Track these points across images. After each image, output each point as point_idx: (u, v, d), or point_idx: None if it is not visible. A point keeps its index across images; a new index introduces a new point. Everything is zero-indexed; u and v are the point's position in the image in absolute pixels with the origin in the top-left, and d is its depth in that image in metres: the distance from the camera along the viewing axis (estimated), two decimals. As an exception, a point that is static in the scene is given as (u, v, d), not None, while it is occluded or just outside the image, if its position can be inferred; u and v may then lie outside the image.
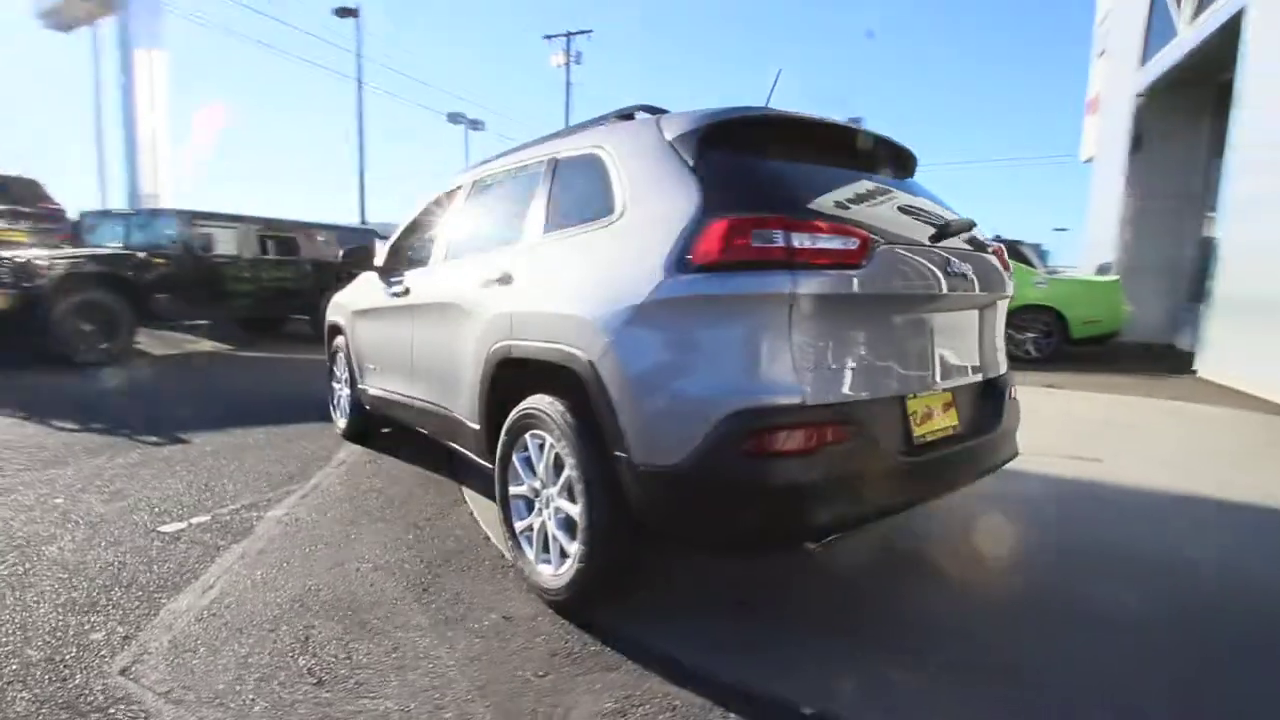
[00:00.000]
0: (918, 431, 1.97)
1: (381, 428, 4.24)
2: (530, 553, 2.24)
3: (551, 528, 2.13)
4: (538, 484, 2.20)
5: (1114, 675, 1.81)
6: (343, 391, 4.29)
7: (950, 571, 2.49)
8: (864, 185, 2.14)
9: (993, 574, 2.49)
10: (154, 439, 4.11)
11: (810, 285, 1.69)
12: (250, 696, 1.70)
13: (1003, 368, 2.45)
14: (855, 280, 1.74)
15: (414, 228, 3.64)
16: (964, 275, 2.08)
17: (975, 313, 2.28)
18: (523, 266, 2.30)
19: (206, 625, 2.03)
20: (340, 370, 4.29)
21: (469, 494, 3.25)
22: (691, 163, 1.90)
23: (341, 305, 4.22)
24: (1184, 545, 2.70)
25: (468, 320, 2.53)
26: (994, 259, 2.36)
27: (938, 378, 2.06)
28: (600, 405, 1.86)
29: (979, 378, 2.28)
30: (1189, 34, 8.92)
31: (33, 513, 2.87)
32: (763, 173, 1.91)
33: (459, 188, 3.16)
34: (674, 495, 1.77)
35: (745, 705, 1.67)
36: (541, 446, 2.16)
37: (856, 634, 2.02)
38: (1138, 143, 10.95)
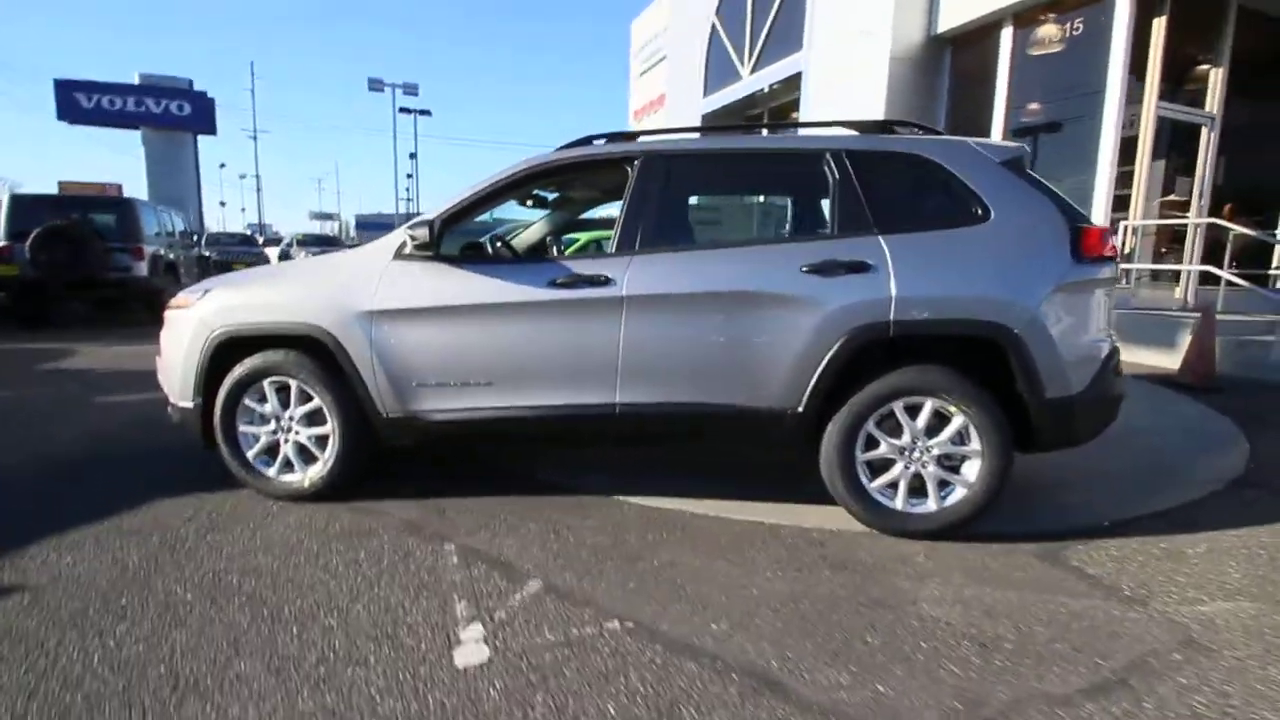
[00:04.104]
0: None
1: (377, 467, 3.26)
2: (896, 503, 2.62)
3: (931, 472, 2.58)
4: (904, 442, 2.59)
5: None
6: (295, 434, 3.07)
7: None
8: None
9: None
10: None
11: (1115, 269, 2.71)
12: (969, 679, 1.81)
13: None
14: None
15: (479, 205, 3.00)
16: None
17: None
18: (885, 255, 2.55)
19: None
20: (281, 406, 3.04)
21: (639, 501, 3.02)
22: (1030, 182, 2.64)
23: (313, 305, 2.96)
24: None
25: (791, 307, 2.59)
26: None
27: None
28: (1021, 361, 2.46)
29: None
30: (749, 80, 12.49)
31: None
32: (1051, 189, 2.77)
33: (625, 163, 2.84)
34: (1071, 411, 2.55)
35: (1088, 538, 2.64)
36: (914, 409, 2.57)
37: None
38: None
